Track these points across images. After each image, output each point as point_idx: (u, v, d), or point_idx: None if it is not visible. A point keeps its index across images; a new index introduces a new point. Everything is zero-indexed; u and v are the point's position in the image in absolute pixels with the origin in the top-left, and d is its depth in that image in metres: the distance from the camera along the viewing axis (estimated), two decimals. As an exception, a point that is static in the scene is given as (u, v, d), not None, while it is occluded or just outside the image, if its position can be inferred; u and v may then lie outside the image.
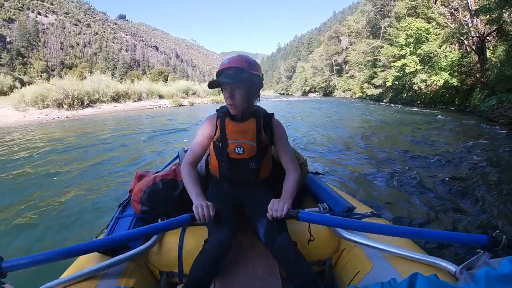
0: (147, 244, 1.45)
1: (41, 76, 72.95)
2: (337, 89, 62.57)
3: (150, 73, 60.86)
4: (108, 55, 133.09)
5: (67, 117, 19.46)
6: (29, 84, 31.38)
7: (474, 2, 17.73)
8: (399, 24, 24.04)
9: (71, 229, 3.49)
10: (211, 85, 1.50)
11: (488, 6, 13.25)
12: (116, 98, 24.90)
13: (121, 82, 28.57)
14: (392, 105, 24.89)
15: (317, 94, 68.51)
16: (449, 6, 20.96)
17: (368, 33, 39.56)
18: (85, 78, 26.02)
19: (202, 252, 1.31)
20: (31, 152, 8.10)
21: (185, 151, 2.28)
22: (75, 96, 21.36)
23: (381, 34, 33.88)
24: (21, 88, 26.92)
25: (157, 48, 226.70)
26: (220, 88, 1.55)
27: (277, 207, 1.30)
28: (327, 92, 67.76)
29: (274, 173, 1.74)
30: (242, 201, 1.66)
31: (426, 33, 20.45)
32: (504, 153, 6.22)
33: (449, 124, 11.01)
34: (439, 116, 14.08)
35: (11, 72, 61.60)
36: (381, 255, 1.32)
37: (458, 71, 18.15)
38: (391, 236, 1.25)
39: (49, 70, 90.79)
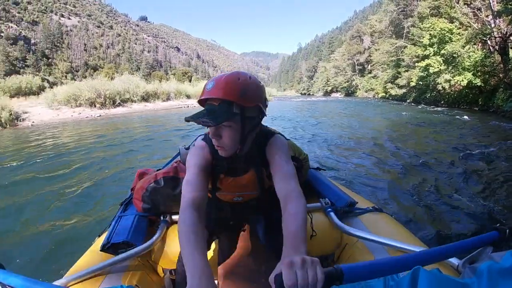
0: (149, 242, 1.47)
1: (65, 76, 75.37)
2: (359, 89, 62.05)
3: (173, 74, 61.83)
4: (131, 56, 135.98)
5: (100, 115, 20.64)
6: (54, 85, 32.98)
7: (497, 3, 17.75)
8: (422, 24, 24.04)
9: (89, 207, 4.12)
10: (189, 121, 1.07)
11: (510, 7, 13.40)
12: (146, 97, 26.10)
13: (148, 83, 29.98)
14: (416, 105, 24.82)
15: (339, 94, 68.07)
16: (472, 6, 20.93)
17: (391, 33, 39.50)
18: (113, 78, 27.33)
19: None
20: (69, 147, 9.27)
21: (186, 148, 2.15)
22: (107, 96, 22.58)
23: (404, 34, 33.88)
24: (50, 88, 28.31)
25: (178, 49, 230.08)
26: None
27: (304, 276, 0.65)
28: (349, 92, 67.29)
29: None
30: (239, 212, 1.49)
31: (450, 34, 20.49)
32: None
33: (471, 124, 11.23)
34: (462, 116, 14.18)
35: (37, 73, 63.88)
36: (384, 250, 1.32)
37: (481, 71, 18.11)
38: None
39: (73, 71, 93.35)
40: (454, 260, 1.10)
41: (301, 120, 14.33)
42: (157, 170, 1.90)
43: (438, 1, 22.78)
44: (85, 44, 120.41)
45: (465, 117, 13.76)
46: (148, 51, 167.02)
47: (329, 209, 1.67)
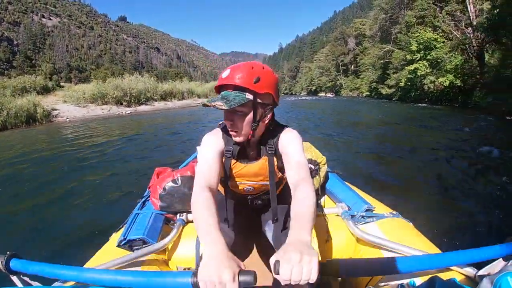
0: (165, 240, 1.48)
1: (50, 78, 73.36)
2: (344, 89, 64.48)
3: (155, 75, 61.93)
4: (114, 57, 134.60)
5: (130, 112, 22.15)
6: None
7: (475, 16, 21.00)
8: (409, 32, 27.10)
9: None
10: (205, 105, 1.14)
11: (485, 25, 16.62)
12: (164, 96, 27.89)
13: (164, 83, 31.51)
14: (403, 103, 26.94)
15: (331, 94, 68.95)
16: (453, 15, 23.96)
17: (379, 38, 42.94)
18: (105, 81, 28.13)
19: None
20: (103, 141, 9.96)
21: None
22: (133, 94, 24.18)
23: (392, 39, 37.08)
24: (60, 88, 28.82)
25: (158, 50, 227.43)
26: None
27: (299, 272, 0.73)
28: (334, 91, 69.82)
29: None
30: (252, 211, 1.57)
31: (435, 42, 23.46)
32: (497, 134, 9.00)
33: (456, 118, 13.35)
34: (445, 111, 16.37)
35: (23, 74, 62.18)
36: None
37: (461, 73, 20.95)
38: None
39: (56, 72, 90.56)
40: (471, 270, 1.07)
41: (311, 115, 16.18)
42: (174, 169, 1.94)
43: (423, 11, 26.03)
44: (66, 45, 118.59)
45: (449, 112, 16.00)
46: (130, 52, 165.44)
47: (346, 214, 1.64)
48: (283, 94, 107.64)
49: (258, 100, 1.14)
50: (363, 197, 1.85)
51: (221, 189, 1.43)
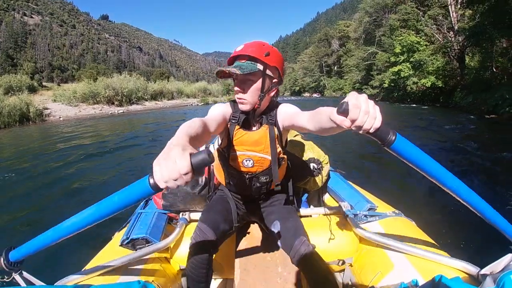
0: (168, 239, 1.48)
1: (32, 77, 71.49)
2: (327, 89, 65.45)
3: (140, 73, 61.58)
4: (96, 56, 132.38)
5: (123, 112, 22.14)
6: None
7: (457, 21, 22.10)
8: (392, 34, 28.06)
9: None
10: (219, 73, 1.30)
11: (466, 33, 17.60)
12: (154, 96, 27.99)
13: (153, 82, 31.58)
14: (386, 102, 27.84)
15: (317, 94, 69.37)
16: (435, 18, 25.06)
17: (363, 40, 44.08)
18: (95, 80, 28.12)
19: (189, 251, 1.31)
20: (103, 138, 10.28)
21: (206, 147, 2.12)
22: (124, 94, 24.23)
23: (376, 42, 38.10)
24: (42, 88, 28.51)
25: (141, 49, 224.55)
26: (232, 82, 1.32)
27: (368, 107, 0.70)
28: (318, 91, 70.71)
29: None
30: (251, 210, 1.59)
31: (418, 45, 24.47)
32: (477, 131, 9.78)
33: (439, 117, 14.06)
34: (428, 111, 17.14)
35: (5, 74, 60.71)
36: (403, 256, 1.29)
37: (442, 75, 21.97)
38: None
39: (38, 71, 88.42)
40: (474, 268, 1.08)
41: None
42: None
43: (407, 15, 27.00)
44: (48, 44, 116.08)
45: (432, 111, 16.76)
46: (112, 51, 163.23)
47: (348, 213, 1.64)
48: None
49: (267, 72, 1.26)
50: (365, 196, 1.87)
51: (220, 174, 1.54)
